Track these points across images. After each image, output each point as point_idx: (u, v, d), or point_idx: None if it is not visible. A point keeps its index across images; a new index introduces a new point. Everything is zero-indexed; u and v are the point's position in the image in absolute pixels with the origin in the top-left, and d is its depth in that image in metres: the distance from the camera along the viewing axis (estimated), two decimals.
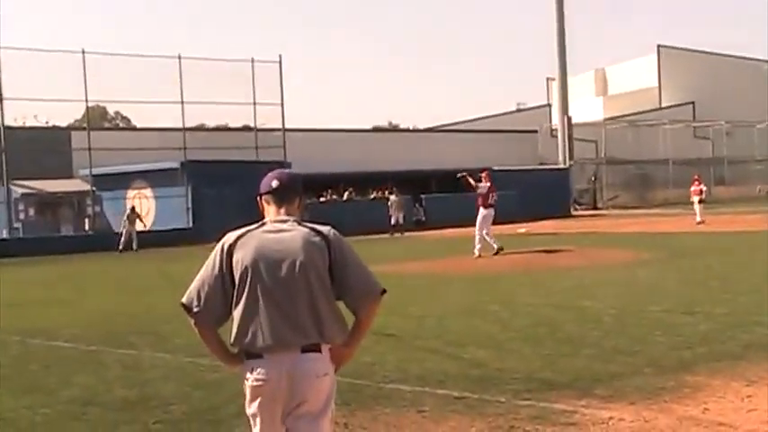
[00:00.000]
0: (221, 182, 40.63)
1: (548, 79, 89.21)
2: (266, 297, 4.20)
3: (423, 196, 50.48)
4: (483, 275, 19.66)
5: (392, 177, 51.91)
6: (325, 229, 4.36)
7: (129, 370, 10.06)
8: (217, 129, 57.44)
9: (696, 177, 41.43)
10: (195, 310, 4.29)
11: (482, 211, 24.64)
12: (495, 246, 24.37)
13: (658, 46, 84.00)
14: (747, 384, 8.03)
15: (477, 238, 24.44)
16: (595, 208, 64.96)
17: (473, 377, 8.81)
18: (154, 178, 43.21)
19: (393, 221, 43.52)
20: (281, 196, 4.42)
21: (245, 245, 4.26)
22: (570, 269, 19.98)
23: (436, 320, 12.88)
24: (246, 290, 4.21)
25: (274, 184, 4.42)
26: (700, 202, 38.95)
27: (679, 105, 79.20)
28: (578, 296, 15.03)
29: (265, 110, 47.52)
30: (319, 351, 4.24)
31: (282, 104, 47.43)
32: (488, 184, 24.89)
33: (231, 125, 56.13)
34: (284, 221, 4.35)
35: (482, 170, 25.97)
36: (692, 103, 79.64)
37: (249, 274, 4.21)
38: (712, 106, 76.05)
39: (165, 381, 9.30)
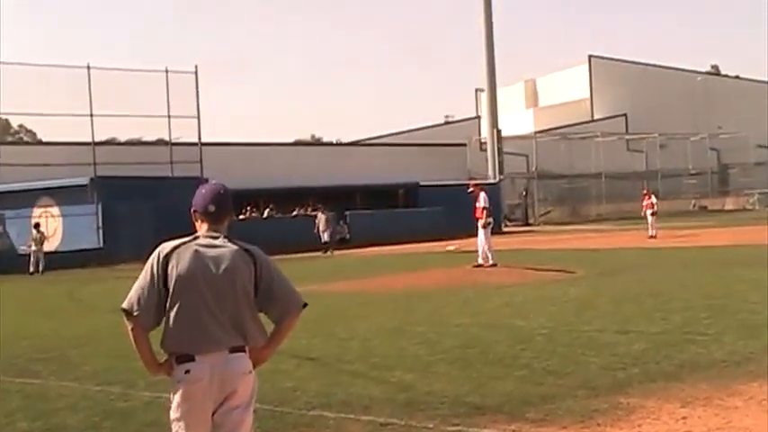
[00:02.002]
0: (134, 199, 40.21)
1: (477, 91, 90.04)
2: (200, 303, 4.76)
3: (347, 213, 50.51)
4: (410, 295, 19.66)
5: (315, 193, 51.86)
6: (252, 247, 4.96)
7: (32, 400, 9.84)
8: (129, 143, 56.72)
9: (646, 191, 42.22)
10: (135, 314, 4.79)
11: (481, 222, 24.85)
12: (492, 260, 24.76)
13: (590, 56, 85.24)
14: (682, 405, 8.13)
15: (481, 250, 24.89)
16: (527, 224, 65.61)
17: (400, 402, 8.80)
18: (61, 195, 42.44)
19: (323, 240, 43.64)
20: (215, 218, 4.99)
21: (181, 255, 4.82)
22: (500, 287, 20.08)
23: (361, 342, 12.85)
24: (181, 296, 4.76)
25: (211, 209, 4.97)
26: (653, 215, 39.62)
27: (611, 117, 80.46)
28: (509, 315, 15.11)
29: (181, 123, 47.17)
30: (244, 351, 4.85)
31: (199, 117, 47.11)
32: (483, 193, 25.26)
33: (144, 139, 55.64)
34: (216, 237, 4.93)
35: (469, 185, 26.67)
36: (625, 115, 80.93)
37: (185, 282, 4.76)
38: (645, 118, 77.38)
39: (73, 411, 9.12)
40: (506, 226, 60.07)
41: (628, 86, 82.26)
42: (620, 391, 8.77)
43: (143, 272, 4.86)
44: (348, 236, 48.62)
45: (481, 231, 24.89)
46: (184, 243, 4.88)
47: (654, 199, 40.65)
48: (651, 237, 38.21)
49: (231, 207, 5.08)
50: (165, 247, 4.87)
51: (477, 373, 10.05)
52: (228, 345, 4.76)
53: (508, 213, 64.87)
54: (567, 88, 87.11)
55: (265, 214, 49.73)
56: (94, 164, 42.57)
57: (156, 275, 4.80)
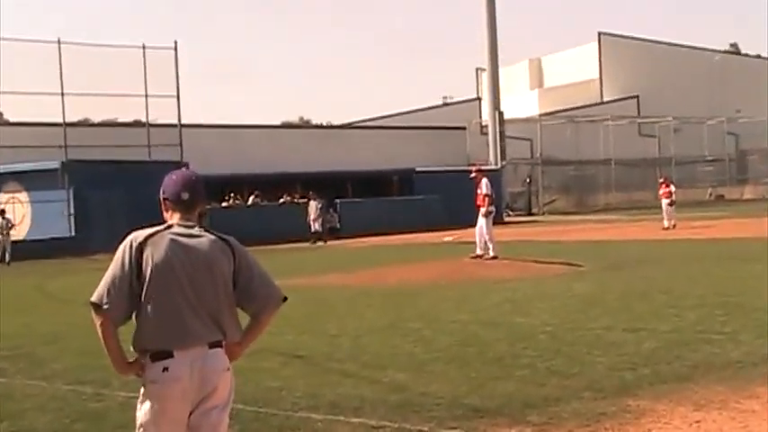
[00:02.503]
0: (108, 184, 40.14)
1: (477, 70, 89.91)
2: (178, 295, 4.78)
3: (337, 201, 50.48)
4: (403, 289, 19.68)
5: (303, 179, 51.80)
6: (230, 238, 5.01)
7: None
8: (103, 124, 56.71)
9: (663, 179, 42.26)
10: (105, 306, 4.74)
11: (483, 210, 24.94)
12: (492, 252, 24.80)
13: (599, 33, 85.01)
14: (696, 409, 8.16)
15: (480, 240, 25.04)
16: (530, 213, 65.55)
17: (392, 403, 8.81)
18: (30, 180, 42.40)
19: (313, 229, 43.73)
20: (188, 206, 5.02)
21: (156, 244, 4.82)
22: (500, 282, 20.09)
23: (352, 340, 12.88)
24: (158, 288, 4.77)
25: (185, 196, 4.99)
26: (670, 204, 39.58)
27: (622, 99, 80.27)
28: (509, 312, 15.14)
29: (159, 103, 47.08)
30: (222, 347, 4.89)
31: (178, 97, 47.03)
32: (486, 179, 25.36)
33: (120, 120, 55.59)
34: (192, 227, 4.96)
35: (471, 170, 26.60)
36: (637, 96, 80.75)
37: (162, 273, 4.77)
38: (658, 100, 77.21)
39: (41, 412, 9.13)
40: (508, 216, 60.02)
41: (640, 66, 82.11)
42: (628, 394, 8.80)
43: (113, 262, 4.85)
44: (338, 225, 48.62)
45: (482, 220, 24.90)
46: (159, 231, 4.88)
47: (672, 187, 40.54)
48: (666, 228, 38.18)
49: (204, 195, 5.10)
50: (139, 235, 4.86)
51: (475, 373, 10.08)
52: (208, 339, 4.79)
53: (510, 202, 64.79)
54: (575, 68, 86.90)
55: (250, 201, 49.67)
56: (65, 146, 42.51)
57: (129, 266, 4.77)
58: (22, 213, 42.37)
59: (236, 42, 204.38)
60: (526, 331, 12.86)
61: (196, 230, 4.92)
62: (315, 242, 42.65)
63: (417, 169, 55.73)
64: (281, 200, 49.89)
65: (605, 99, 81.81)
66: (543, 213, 65.73)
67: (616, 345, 11.43)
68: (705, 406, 8.24)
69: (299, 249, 38.28)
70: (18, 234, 39.38)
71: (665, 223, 38.80)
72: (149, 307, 4.75)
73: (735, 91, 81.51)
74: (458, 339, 12.44)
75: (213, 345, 4.80)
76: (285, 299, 5.06)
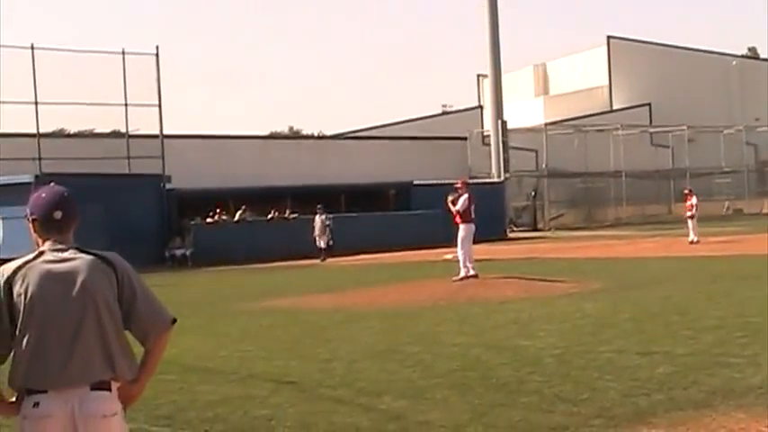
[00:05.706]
0: (85, 199, 38.92)
1: (479, 77, 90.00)
2: (53, 331, 4.58)
3: (330, 216, 50.39)
4: (401, 311, 19.66)
5: (293, 193, 51.75)
6: (110, 255, 4.86)
7: None
8: (80, 135, 56.58)
9: (688, 191, 42.35)
10: None
11: (462, 227, 24.88)
12: (472, 271, 24.65)
13: (608, 37, 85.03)
14: None
15: (462, 258, 24.83)
16: (536, 229, 65.47)
17: None
18: (1, 195, 42.30)
19: (321, 245, 43.52)
20: (61, 227, 4.85)
21: (27, 277, 4.64)
22: (504, 302, 20.07)
23: (345, 365, 12.85)
24: (30, 324, 4.57)
25: (57, 215, 4.82)
26: (691, 217, 39.83)
27: (633, 107, 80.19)
28: (514, 334, 15.11)
29: (140, 112, 47.08)
30: (109, 389, 4.64)
31: (160, 106, 47.09)
32: (466, 195, 25.14)
33: (98, 131, 55.58)
34: (65, 250, 4.78)
35: (458, 182, 26.63)
36: (649, 104, 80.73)
37: (33, 308, 4.57)
38: (672, 108, 77.13)
39: None
40: (512, 231, 60.04)
41: (651, 72, 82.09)
42: (642, 421, 8.79)
43: None
44: (332, 242, 48.51)
45: (461, 237, 24.83)
46: (28, 262, 4.71)
47: (695, 200, 40.70)
48: (692, 242, 38.37)
49: (77, 213, 4.96)
50: (6, 269, 4.70)
51: (478, 400, 10.06)
52: (90, 380, 4.57)
53: (514, 217, 64.82)
54: (582, 74, 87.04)
55: (237, 217, 49.55)
56: (39, 159, 42.49)
57: None
58: None
59: (222, 48, 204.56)
60: (532, 355, 12.84)
61: (70, 253, 4.74)
62: (324, 259, 42.45)
63: (415, 182, 55.62)
64: (270, 215, 49.81)
65: (615, 107, 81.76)
66: (549, 229, 65.58)
67: (629, 369, 11.40)
68: None
69: (289, 268, 38.13)
70: None
71: (692, 237, 38.87)
72: (23, 346, 4.56)
73: (753, 98, 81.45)
74: (459, 364, 12.41)
75: (97, 386, 4.57)
76: (174, 321, 4.89)
